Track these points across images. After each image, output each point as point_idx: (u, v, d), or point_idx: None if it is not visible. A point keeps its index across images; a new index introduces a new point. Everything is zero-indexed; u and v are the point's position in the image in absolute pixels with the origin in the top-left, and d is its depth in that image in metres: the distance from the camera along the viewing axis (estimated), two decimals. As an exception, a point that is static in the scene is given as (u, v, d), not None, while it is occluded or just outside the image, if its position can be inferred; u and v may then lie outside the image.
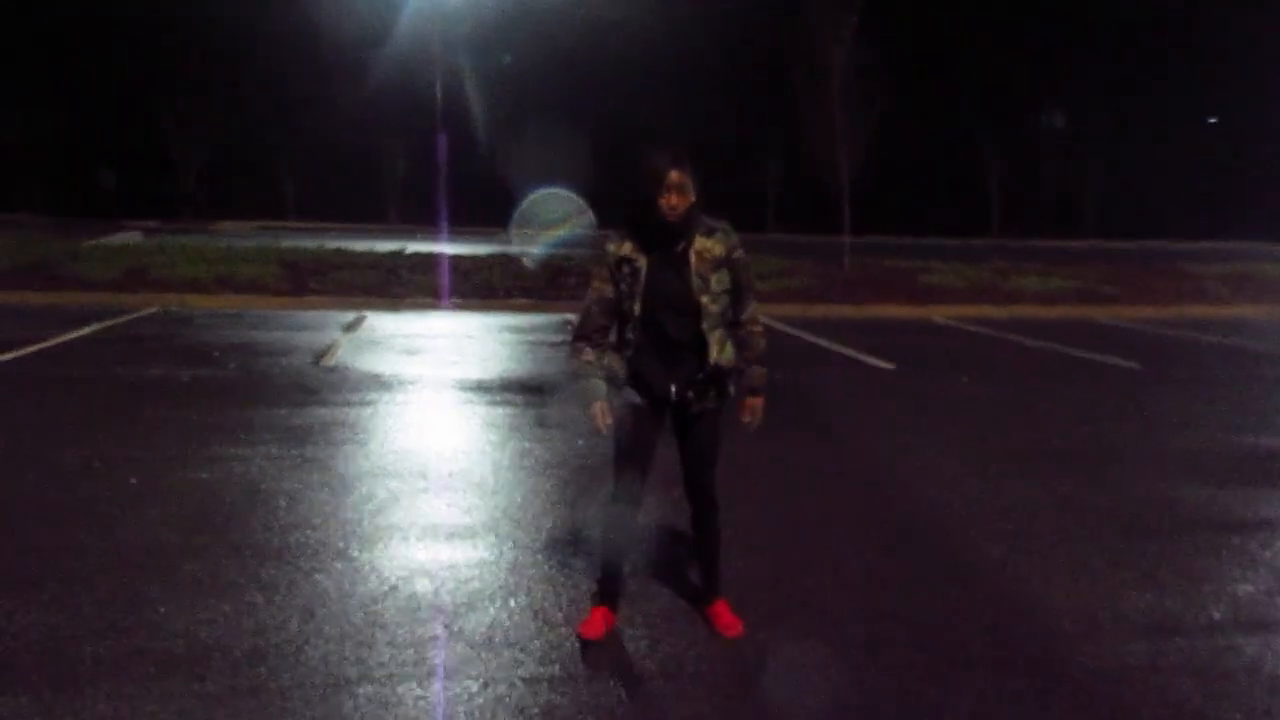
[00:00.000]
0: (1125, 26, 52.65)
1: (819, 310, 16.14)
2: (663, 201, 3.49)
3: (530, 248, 29.65)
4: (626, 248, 3.60)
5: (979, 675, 3.66)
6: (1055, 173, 54.44)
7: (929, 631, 3.99)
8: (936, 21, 49.36)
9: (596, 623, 3.83)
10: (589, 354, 3.67)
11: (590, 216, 42.06)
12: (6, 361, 9.66)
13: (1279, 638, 4.03)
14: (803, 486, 6.05)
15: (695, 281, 3.58)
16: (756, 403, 3.81)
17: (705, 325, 3.61)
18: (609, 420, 3.62)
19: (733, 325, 3.72)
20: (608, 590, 3.89)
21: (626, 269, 3.58)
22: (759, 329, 3.77)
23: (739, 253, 3.66)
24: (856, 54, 18.88)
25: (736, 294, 3.69)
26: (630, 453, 3.72)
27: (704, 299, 3.58)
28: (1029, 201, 53.97)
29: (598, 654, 3.72)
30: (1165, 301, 18.22)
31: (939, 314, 16.34)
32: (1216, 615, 4.23)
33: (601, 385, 3.63)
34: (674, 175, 3.48)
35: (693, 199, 3.52)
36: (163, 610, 3.95)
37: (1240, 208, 48.90)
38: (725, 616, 3.95)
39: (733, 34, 46.87)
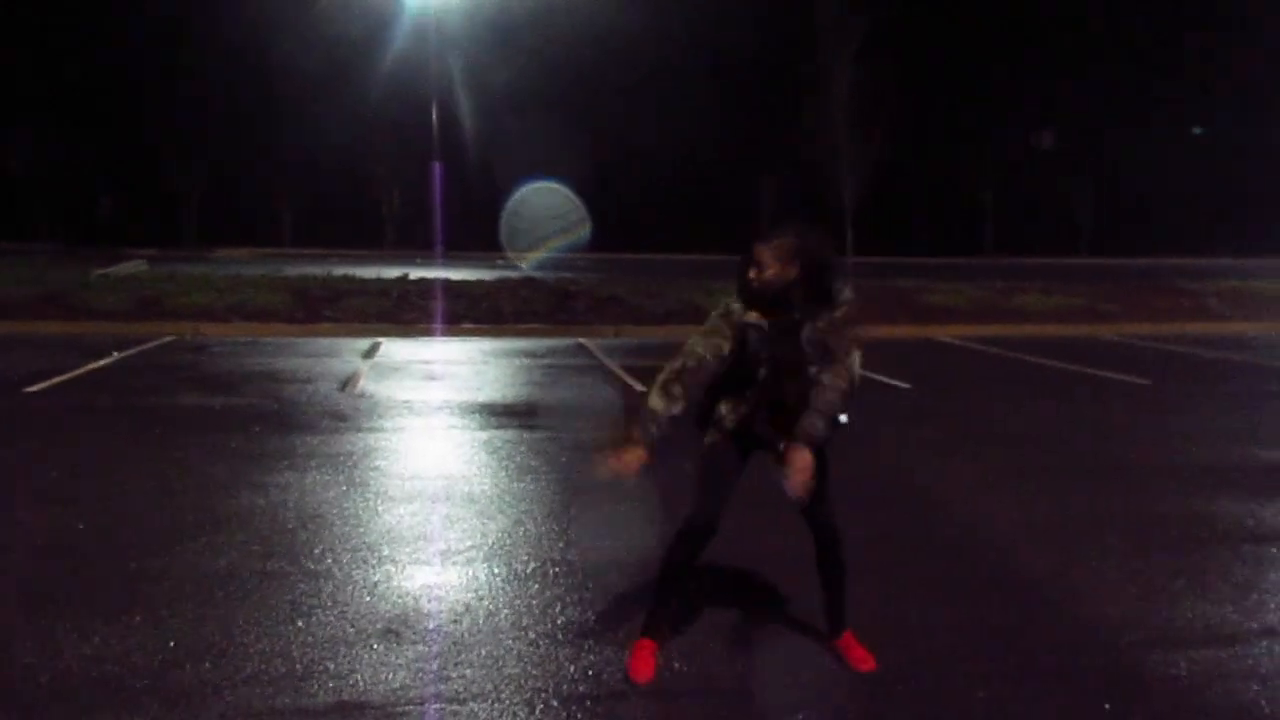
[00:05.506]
0: (1115, 42, 53.35)
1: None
2: (751, 274, 3.66)
3: (527, 262, 29.47)
4: (751, 315, 3.67)
5: (1056, 686, 3.79)
6: (1047, 191, 54.95)
7: (1000, 646, 4.12)
8: (928, 42, 50.00)
9: (645, 660, 3.81)
10: (668, 406, 3.63)
11: (587, 226, 42.21)
12: (35, 392, 9.74)
13: (1334, 643, 4.18)
14: (855, 505, 6.15)
15: (807, 351, 3.64)
16: (795, 455, 3.60)
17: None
18: (628, 469, 3.59)
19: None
20: (655, 621, 3.88)
21: (754, 334, 3.66)
22: (833, 381, 3.64)
23: (840, 312, 3.68)
24: (860, 70, 19.17)
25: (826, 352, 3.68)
26: (715, 483, 3.79)
27: (813, 368, 3.66)
28: (1021, 220, 54.48)
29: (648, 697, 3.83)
30: (1166, 318, 18.44)
31: (943, 333, 16.52)
32: (1273, 621, 4.37)
33: (650, 440, 3.61)
34: (756, 249, 3.66)
35: (785, 273, 3.61)
36: (254, 633, 4.05)
37: (1232, 223, 49.41)
38: (856, 649, 3.94)
39: (731, 48, 47.28)
